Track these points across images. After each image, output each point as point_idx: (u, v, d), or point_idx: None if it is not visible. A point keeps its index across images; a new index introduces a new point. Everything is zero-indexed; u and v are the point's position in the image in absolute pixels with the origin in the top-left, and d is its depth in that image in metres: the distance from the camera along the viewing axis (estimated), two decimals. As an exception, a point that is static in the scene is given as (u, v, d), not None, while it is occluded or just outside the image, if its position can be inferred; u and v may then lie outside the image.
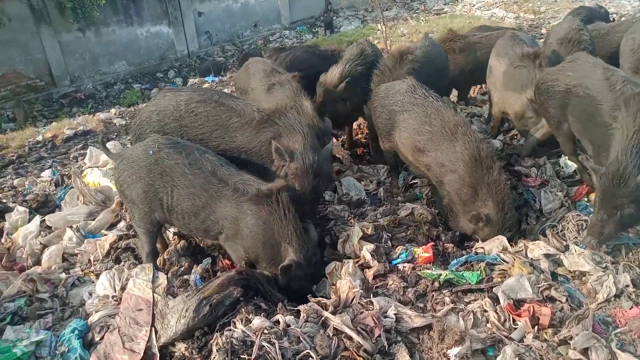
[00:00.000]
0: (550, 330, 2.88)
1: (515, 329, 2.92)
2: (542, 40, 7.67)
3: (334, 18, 14.52)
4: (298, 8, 14.60)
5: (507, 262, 3.42)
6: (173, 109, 3.90)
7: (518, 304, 3.08)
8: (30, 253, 4.10)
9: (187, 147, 3.46)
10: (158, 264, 3.74)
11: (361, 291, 3.14)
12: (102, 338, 3.10)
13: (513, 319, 2.98)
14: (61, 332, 3.19)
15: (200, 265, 3.60)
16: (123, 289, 3.46)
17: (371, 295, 3.15)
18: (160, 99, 4.07)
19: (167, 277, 3.47)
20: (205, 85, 10.21)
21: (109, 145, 6.26)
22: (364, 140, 5.77)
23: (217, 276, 3.21)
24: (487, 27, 6.84)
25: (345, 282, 3.21)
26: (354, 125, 6.08)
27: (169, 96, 4.01)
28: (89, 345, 3.11)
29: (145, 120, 3.99)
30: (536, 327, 2.89)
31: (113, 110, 9.22)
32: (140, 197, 3.43)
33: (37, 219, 4.47)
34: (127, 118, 8.62)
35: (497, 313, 3.01)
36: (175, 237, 4.05)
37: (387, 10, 14.75)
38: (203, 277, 3.44)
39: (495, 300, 3.12)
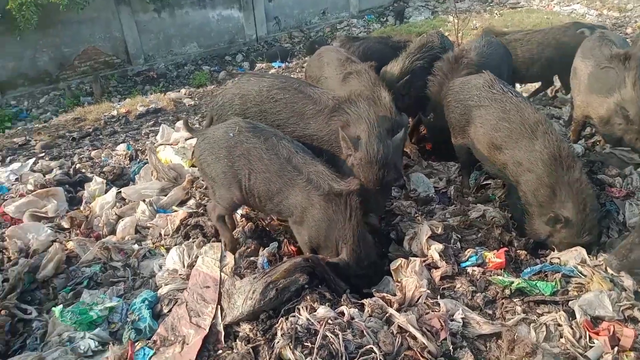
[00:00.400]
0: (632, 354, 2.70)
1: (592, 347, 2.75)
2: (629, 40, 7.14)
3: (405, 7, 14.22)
4: (367, -3, 14.44)
5: (585, 276, 3.22)
6: (255, 94, 3.94)
7: (596, 321, 2.91)
8: (106, 222, 4.32)
9: (265, 131, 3.49)
10: (226, 243, 3.81)
11: (428, 291, 3.08)
12: (170, 310, 3.22)
13: (590, 336, 2.81)
14: (132, 301, 3.34)
15: (266, 248, 3.65)
16: (191, 265, 3.58)
17: (438, 297, 3.08)
18: (243, 83, 4.12)
19: (234, 258, 3.55)
20: (272, 71, 10.31)
21: (178, 124, 6.50)
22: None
23: (284, 261, 3.24)
24: (580, 24, 6.41)
25: (411, 280, 3.16)
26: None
27: (252, 81, 4.06)
28: (157, 316, 3.24)
29: (227, 102, 4.06)
30: (615, 349, 2.71)
31: (183, 90, 9.54)
32: (220, 177, 3.51)
33: (114, 190, 4.70)
34: (196, 98, 8.89)
35: (572, 328, 2.86)
36: (243, 219, 4.13)
37: (459, 1, 14.26)
38: (270, 261, 3.49)
39: (571, 314, 2.96)
